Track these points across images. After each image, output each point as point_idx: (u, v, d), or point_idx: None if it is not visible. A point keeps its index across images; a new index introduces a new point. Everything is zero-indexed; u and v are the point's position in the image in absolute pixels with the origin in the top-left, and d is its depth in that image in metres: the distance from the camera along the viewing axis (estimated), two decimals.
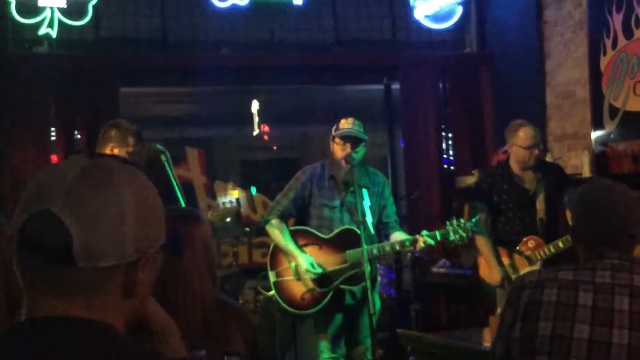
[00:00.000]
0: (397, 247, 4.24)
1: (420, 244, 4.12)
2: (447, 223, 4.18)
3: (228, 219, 4.32)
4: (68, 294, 1.10)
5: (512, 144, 4.55)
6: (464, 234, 4.12)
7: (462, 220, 4.18)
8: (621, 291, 2.04)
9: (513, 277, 4.34)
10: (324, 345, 4.26)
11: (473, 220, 4.23)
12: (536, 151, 4.53)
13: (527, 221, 4.55)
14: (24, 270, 1.11)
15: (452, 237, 4.13)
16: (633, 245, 2.15)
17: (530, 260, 4.42)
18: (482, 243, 4.55)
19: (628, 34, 5.48)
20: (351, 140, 4.22)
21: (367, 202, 4.18)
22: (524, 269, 4.23)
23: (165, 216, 2.75)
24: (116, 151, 3.87)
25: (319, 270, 4.17)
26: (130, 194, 1.13)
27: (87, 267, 1.08)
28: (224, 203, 4.39)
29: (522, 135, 4.51)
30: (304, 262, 4.18)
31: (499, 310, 3.94)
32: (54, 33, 6.20)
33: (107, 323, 1.12)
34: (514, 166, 4.58)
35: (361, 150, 4.25)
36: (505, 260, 4.51)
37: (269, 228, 4.34)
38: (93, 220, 1.08)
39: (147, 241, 1.16)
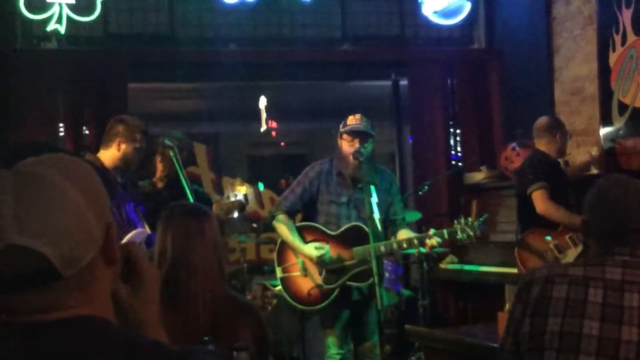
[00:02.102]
0: (405, 245, 4.22)
1: (428, 242, 4.12)
2: (455, 222, 4.18)
3: (233, 213, 4.31)
4: (62, 299, 1.08)
5: (563, 133, 4.94)
6: (472, 233, 4.12)
7: (470, 219, 4.18)
8: (631, 288, 2.03)
9: (559, 256, 4.46)
10: (332, 341, 4.26)
11: (481, 219, 4.23)
12: None
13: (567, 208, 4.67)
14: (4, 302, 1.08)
15: (460, 235, 4.13)
16: None
17: (574, 243, 4.50)
18: (564, 214, 4.54)
19: (638, 30, 5.45)
20: (359, 135, 4.21)
21: (374, 199, 4.17)
22: (569, 251, 4.42)
23: (175, 212, 2.76)
24: (123, 147, 3.89)
25: (327, 249, 4.16)
26: (70, 184, 1.09)
27: (74, 273, 1.07)
28: (228, 197, 4.39)
29: (565, 124, 5.03)
30: (310, 250, 4.17)
31: (507, 306, 3.94)
32: (62, 29, 6.20)
33: (105, 319, 1.12)
34: (556, 156, 4.87)
35: (369, 146, 4.24)
36: (551, 242, 4.54)
37: (276, 224, 4.34)
38: (58, 231, 1.05)
39: (105, 212, 1.14)
